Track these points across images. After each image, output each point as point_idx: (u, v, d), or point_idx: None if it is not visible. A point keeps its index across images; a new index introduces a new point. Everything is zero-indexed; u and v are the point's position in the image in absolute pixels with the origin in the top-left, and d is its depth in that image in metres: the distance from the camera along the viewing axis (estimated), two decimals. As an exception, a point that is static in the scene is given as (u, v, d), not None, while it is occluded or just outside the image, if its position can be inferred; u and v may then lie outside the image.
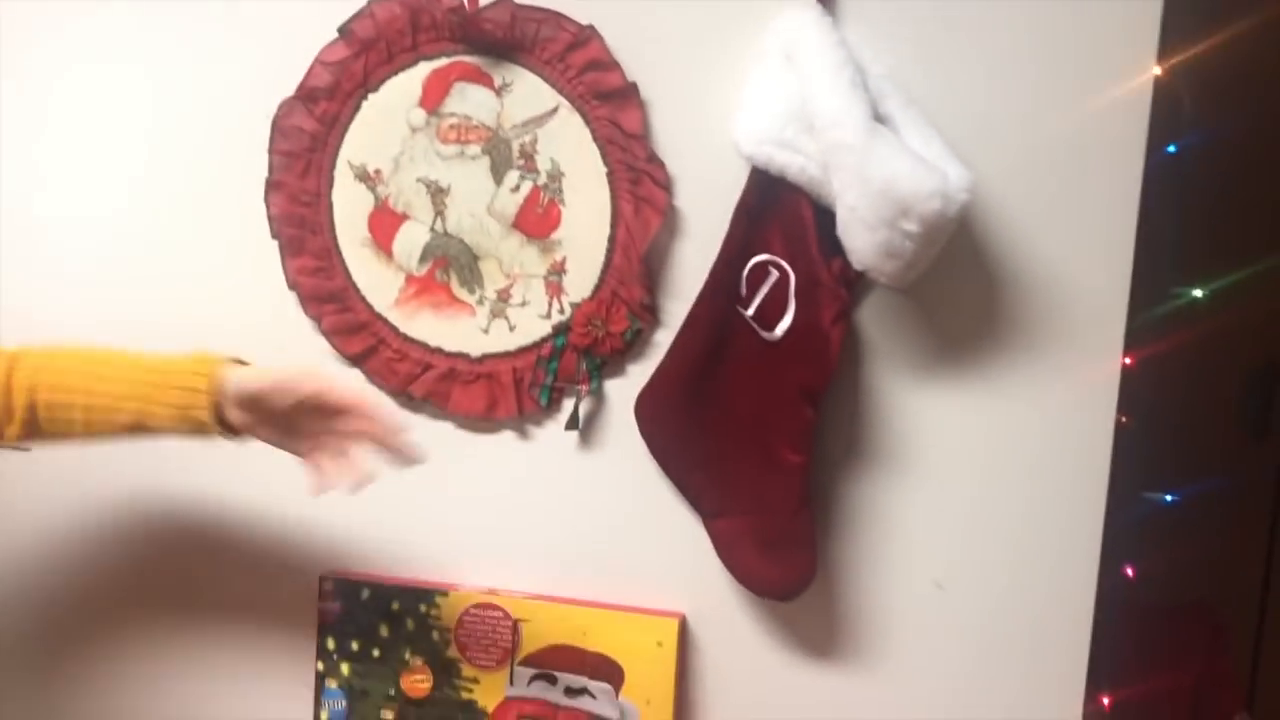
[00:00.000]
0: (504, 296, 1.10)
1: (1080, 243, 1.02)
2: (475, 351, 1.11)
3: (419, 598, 1.14)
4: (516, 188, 1.08)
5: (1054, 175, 1.02)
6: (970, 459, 1.07)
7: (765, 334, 1.03)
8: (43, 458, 1.10)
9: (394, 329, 1.12)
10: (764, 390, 1.05)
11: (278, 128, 1.09)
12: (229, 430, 0.94)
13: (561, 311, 1.10)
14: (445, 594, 1.14)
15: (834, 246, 0.98)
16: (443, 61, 1.06)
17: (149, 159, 1.13)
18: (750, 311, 1.03)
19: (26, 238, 1.15)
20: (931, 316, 1.05)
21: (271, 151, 1.09)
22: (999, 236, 1.03)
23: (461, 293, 1.10)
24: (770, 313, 1.03)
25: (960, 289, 1.04)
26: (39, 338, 0.97)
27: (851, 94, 0.94)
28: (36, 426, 0.94)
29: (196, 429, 0.93)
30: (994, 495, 1.07)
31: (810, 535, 1.07)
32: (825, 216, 0.99)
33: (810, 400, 1.03)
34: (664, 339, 1.09)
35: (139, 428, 0.94)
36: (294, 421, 0.94)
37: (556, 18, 1.04)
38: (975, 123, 1.01)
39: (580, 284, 1.09)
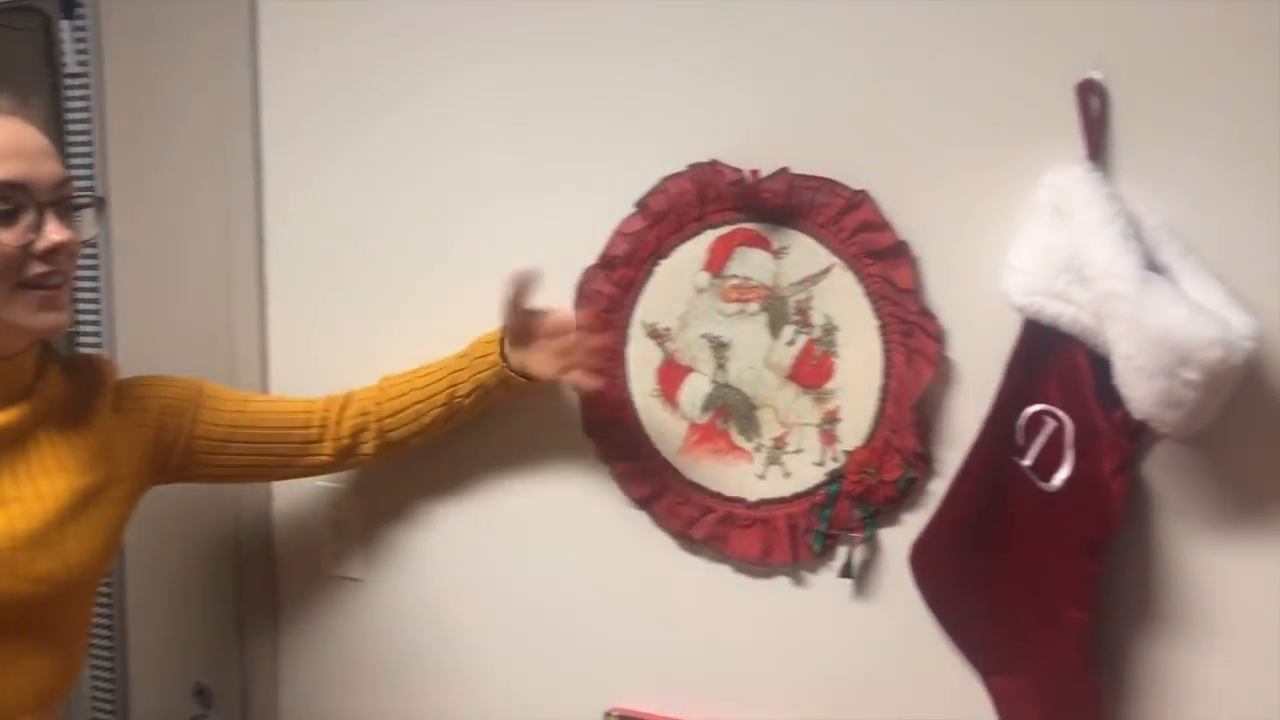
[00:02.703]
0: (780, 444, 1.18)
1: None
2: (752, 497, 1.19)
3: (697, 738, 1.20)
4: (792, 341, 1.17)
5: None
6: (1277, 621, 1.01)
7: (1043, 484, 1.04)
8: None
9: (678, 474, 1.22)
10: (1044, 542, 1.05)
11: (581, 292, 1.24)
12: (515, 372, 1.22)
13: (835, 459, 1.16)
14: (722, 736, 1.19)
15: (1113, 396, 0.99)
16: (726, 229, 1.18)
17: (469, 316, 1.27)
18: (1027, 461, 1.05)
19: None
20: (1225, 467, 1.02)
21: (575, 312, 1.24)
22: (1296, 383, 1.00)
23: (740, 440, 1.19)
24: (1048, 463, 1.04)
25: (1255, 438, 1.01)
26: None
27: (1123, 244, 0.96)
28: (385, 434, 1.25)
29: (496, 377, 1.22)
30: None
31: (1096, 701, 1.04)
32: (1102, 365, 1.00)
33: (1093, 554, 1.02)
34: (939, 488, 1.12)
35: (454, 398, 1.23)
36: (547, 350, 1.21)
37: (830, 184, 1.13)
38: (1262, 267, 0.99)
39: (854, 432, 1.15)
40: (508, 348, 1.21)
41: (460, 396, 1.23)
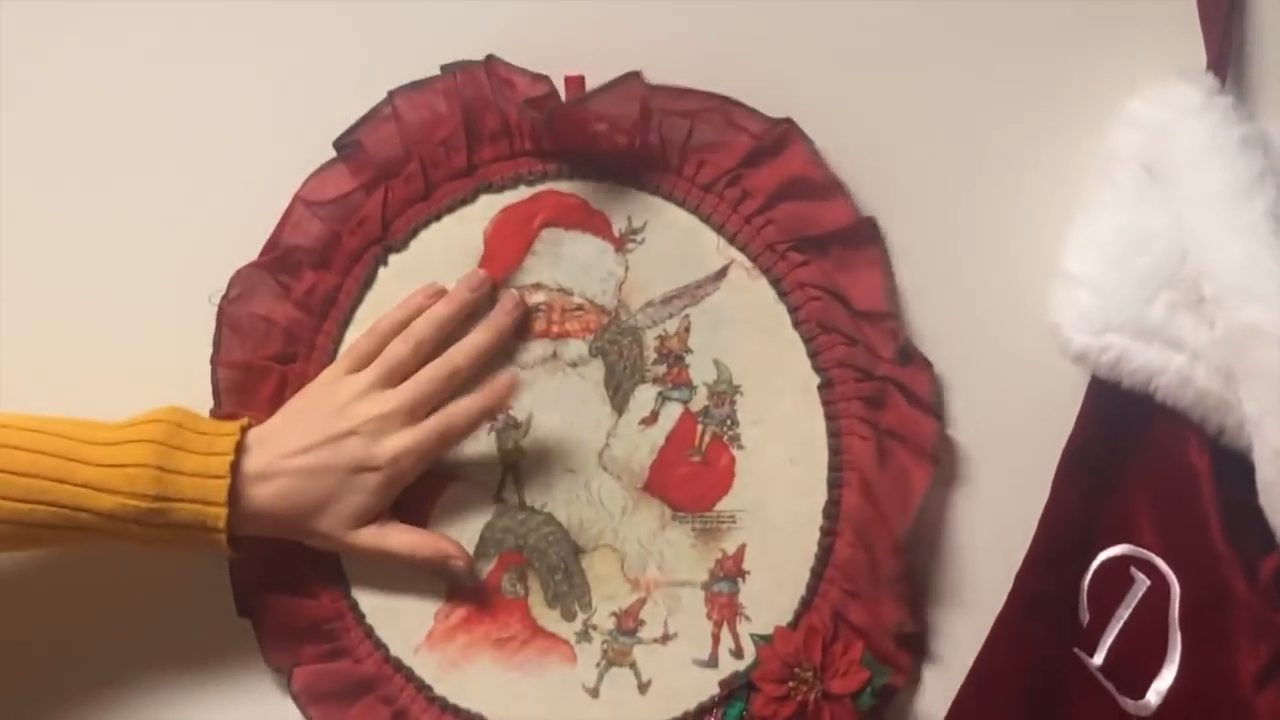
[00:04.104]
0: (628, 625, 1.17)
1: None
2: (574, 734, 1.16)
3: None
4: (653, 417, 1.17)
5: None
6: None
7: (1127, 701, 1.07)
8: None
9: (422, 690, 1.19)
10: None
11: (227, 319, 1.19)
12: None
13: (737, 653, 1.16)
14: None
15: (1259, 529, 1.04)
16: (520, 193, 1.18)
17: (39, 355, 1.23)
18: (1099, 657, 1.08)
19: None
20: None
21: (215, 363, 1.19)
22: None
23: (549, 619, 1.18)
24: (1137, 658, 1.07)
25: None
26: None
27: (1273, 238, 1.00)
28: None
29: (201, 534, 1.12)
30: None
31: None
32: (1235, 468, 1.04)
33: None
34: (936, 705, 1.14)
35: (69, 525, 1.11)
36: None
37: (726, 106, 1.14)
38: None
39: (772, 599, 1.16)
40: (253, 483, 1.13)
41: (81, 530, 1.13)
